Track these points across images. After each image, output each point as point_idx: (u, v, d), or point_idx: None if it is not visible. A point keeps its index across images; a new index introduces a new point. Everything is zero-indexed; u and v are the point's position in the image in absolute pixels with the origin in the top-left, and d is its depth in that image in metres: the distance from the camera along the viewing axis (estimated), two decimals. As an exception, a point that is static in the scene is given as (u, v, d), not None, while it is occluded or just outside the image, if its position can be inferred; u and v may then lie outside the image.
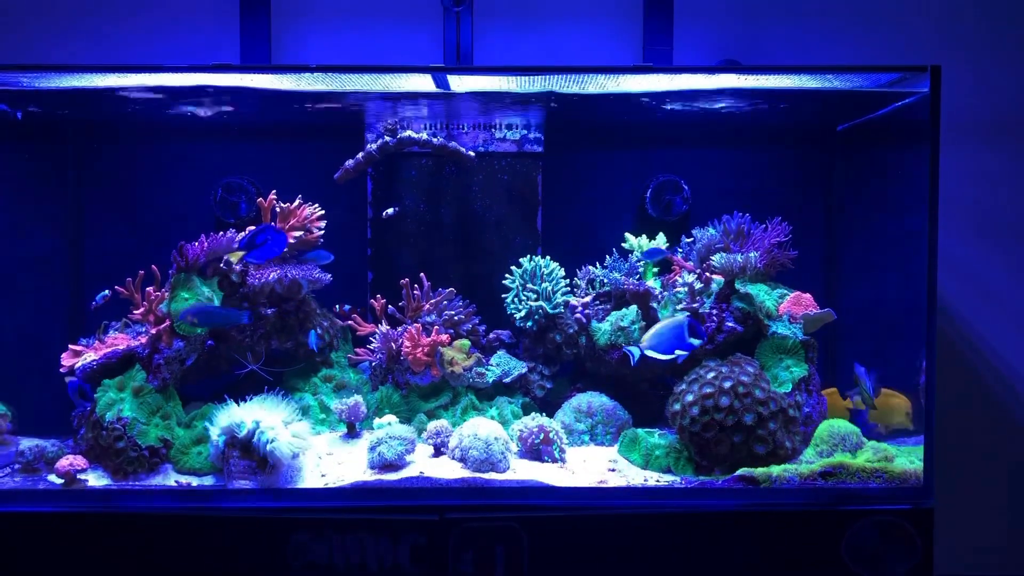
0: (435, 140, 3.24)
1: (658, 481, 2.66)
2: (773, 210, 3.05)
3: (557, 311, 3.20)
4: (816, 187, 3.39)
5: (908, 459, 2.63)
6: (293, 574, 2.39)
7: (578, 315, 3.20)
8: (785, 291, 3.04)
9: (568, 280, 3.25)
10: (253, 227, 2.97)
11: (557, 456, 2.79)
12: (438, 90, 2.94)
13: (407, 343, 3.04)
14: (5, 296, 3.22)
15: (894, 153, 3.16)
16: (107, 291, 2.96)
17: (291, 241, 3.10)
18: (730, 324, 2.90)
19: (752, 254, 2.94)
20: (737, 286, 2.98)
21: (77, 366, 2.82)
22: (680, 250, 3.24)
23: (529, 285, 3.21)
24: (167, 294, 2.86)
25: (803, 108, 3.24)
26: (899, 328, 2.94)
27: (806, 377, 2.82)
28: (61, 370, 2.86)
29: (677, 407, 2.73)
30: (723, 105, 3.14)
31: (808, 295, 2.99)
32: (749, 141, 3.40)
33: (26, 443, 2.78)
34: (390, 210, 3.25)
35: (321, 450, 2.85)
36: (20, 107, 3.14)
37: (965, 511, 3.29)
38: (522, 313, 3.19)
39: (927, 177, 2.47)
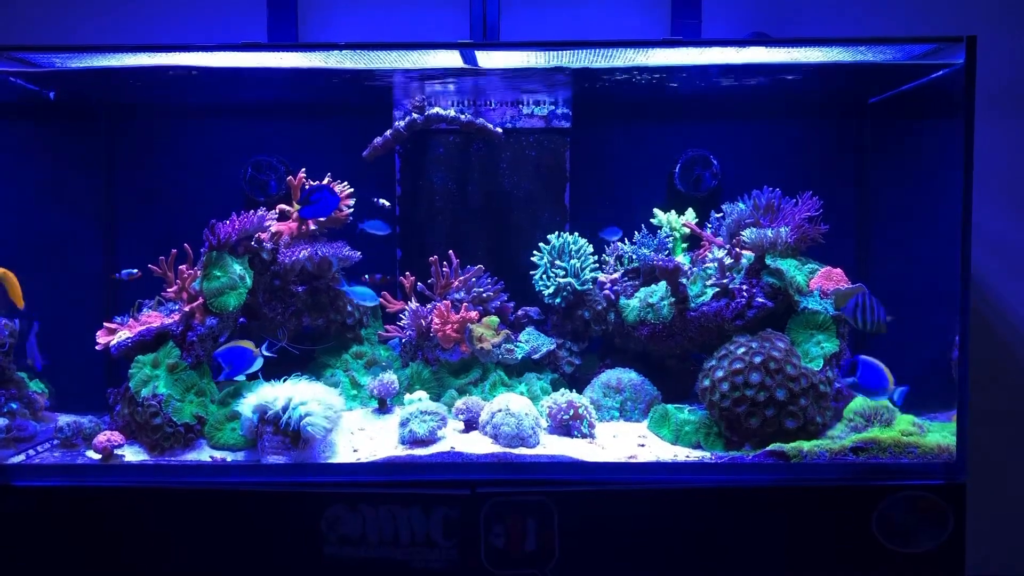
0: (463, 117, 3.23)
1: (688, 456, 2.67)
2: (803, 185, 3.02)
3: (585, 288, 3.20)
4: (847, 161, 3.35)
5: (940, 434, 2.61)
6: (327, 547, 2.42)
7: (607, 292, 3.20)
8: (816, 266, 3.03)
9: (596, 256, 3.25)
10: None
11: (587, 432, 2.80)
12: (466, 66, 2.93)
13: (436, 320, 3.06)
14: (40, 275, 3.26)
15: (927, 125, 3.11)
16: (135, 270, 2.99)
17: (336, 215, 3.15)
18: (760, 300, 2.88)
19: (782, 229, 2.92)
20: (767, 261, 2.96)
21: (112, 344, 2.86)
22: (710, 225, 3.23)
23: (557, 262, 3.21)
24: (199, 272, 2.88)
25: (834, 81, 3.20)
26: (931, 302, 2.91)
27: (837, 352, 2.80)
28: (96, 347, 2.89)
29: (707, 383, 2.73)
30: (752, 79, 3.12)
31: (839, 270, 2.97)
32: (779, 115, 3.37)
33: (64, 419, 2.82)
34: (384, 202, 3.25)
35: (353, 426, 2.87)
36: (52, 87, 3.16)
37: (996, 486, 3.27)
38: (550, 290, 3.20)
39: (961, 149, 2.44)
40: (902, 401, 2.60)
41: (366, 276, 3.27)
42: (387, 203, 3.23)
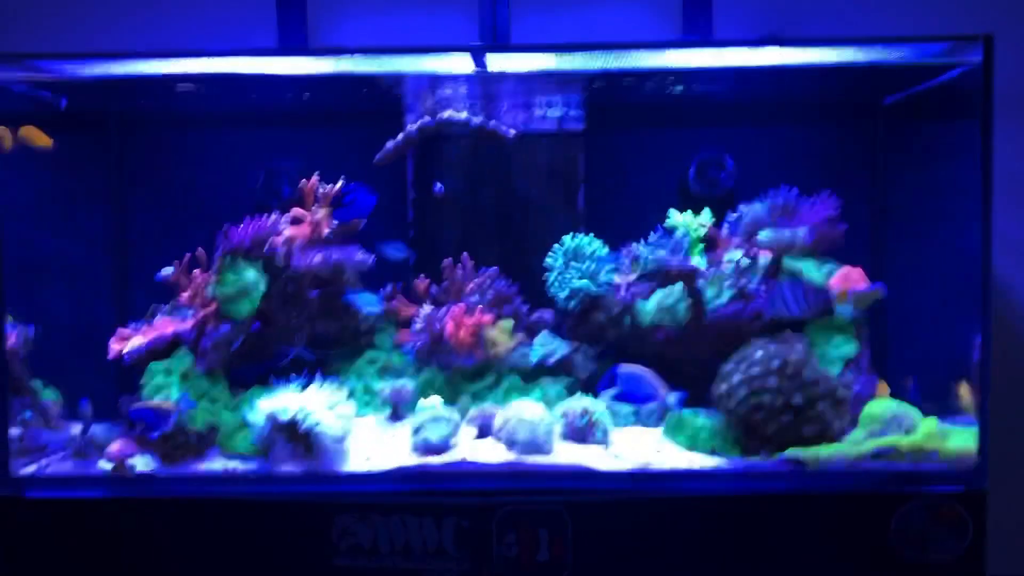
0: (475, 120, 3.21)
1: (704, 463, 2.63)
2: (820, 185, 2.99)
3: (600, 291, 3.17)
4: (863, 161, 3.30)
5: (961, 439, 2.57)
6: (338, 557, 2.41)
7: (622, 295, 3.17)
8: (834, 267, 2.98)
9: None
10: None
11: (601, 438, 2.78)
12: (477, 70, 2.91)
13: (450, 324, 3.04)
14: (53, 283, 3.27)
15: (944, 126, 3.07)
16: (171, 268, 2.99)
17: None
18: (778, 302, 2.85)
19: (800, 230, 2.89)
20: (785, 262, 2.93)
21: (125, 351, 2.86)
22: (726, 227, 3.19)
23: (572, 264, 3.18)
24: (213, 278, 2.88)
25: (848, 82, 3.15)
26: (951, 305, 2.87)
27: (856, 356, 2.76)
28: (109, 356, 2.90)
29: (723, 388, 2.69)
30: (766, 80, 3.07)
31: (858, 270, 2.93)
32: (794, 116, 3.32)
33: (76, 429, 2.82)
34: (437, 187, 3.25)
35: (366, 433, 2.86)
36: (63, 95, 3.17)
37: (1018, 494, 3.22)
38: (565, 293, 3.17)
39: (979, 151, 2.40)
40: (680, 405, 2.57)
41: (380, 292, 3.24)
42: (442, 187, 3.22)
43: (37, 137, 2.86)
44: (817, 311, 2.69)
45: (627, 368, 2.60)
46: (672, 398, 2.54)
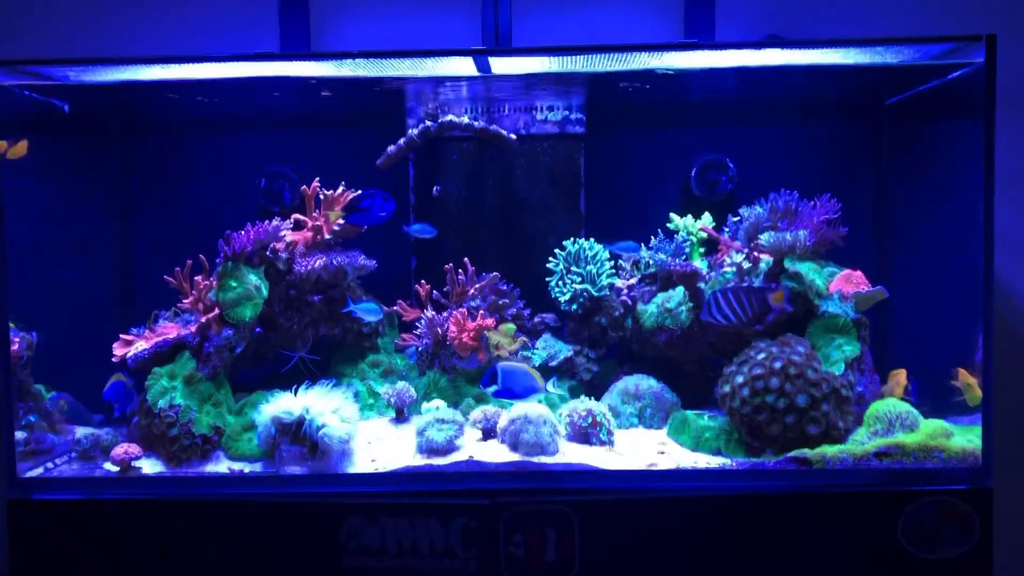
0: (476, 124, 3.22)
1: (708, 463, 2.64)
2: (821, 187, 2.99)
3: (602, 294, 3.18)
4: (865, 163, 3.32)
5: (966, 438, 2.58)
6: (346, 558, 2.41)
7: (623, 297, 3.18)
8: (835, 269, 3.00)
9: (613, 262, 3.23)
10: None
11: (606, 439, 2.78)
12: (478, 73, 2.92)
13: (453, 328, 3.04)
14: (56, 287, 3.26)
15: (946, 126, 3.08)
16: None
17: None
18: (779, 304, 2.86)
19: (801, 232, 2.89)
20: (786, 265, 2.93)
21: (129, 355, 2.86)
22: (727, 229, 3.20)
23: (573, 268, 3.19)
24: (215, 283, 2.88)
25: (850, 83, 3.17)
26: (953, 304, 2.88)
27: (858, 356, 2.77)
28: (113, 359, 2.89)
29: (727, 389, 2.70)
30: (768, 81, 3.09)
31: (859, 272, 2.94)
32: (795, 118, 3.34)
33: (81, 431, 2.82)
34: (435, 189, 3.26)
35: (370, 435, 2.86)
36: (66, 100, 3.17)
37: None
38: (567, 296, 3.18)
39: (982, 150, 2.41)
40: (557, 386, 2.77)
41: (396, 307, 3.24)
42: (439, 189, 3.24)
43: (19, 150, 2.88)
44: (755, 316, 2.70)
45: (506, 365, 2.67)
46: (551, 384, 2.69)
